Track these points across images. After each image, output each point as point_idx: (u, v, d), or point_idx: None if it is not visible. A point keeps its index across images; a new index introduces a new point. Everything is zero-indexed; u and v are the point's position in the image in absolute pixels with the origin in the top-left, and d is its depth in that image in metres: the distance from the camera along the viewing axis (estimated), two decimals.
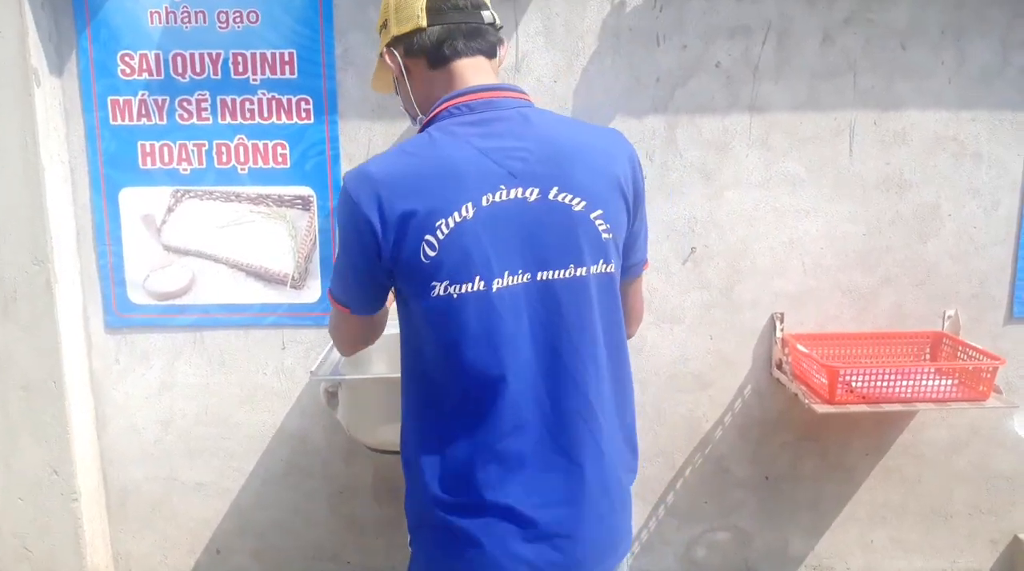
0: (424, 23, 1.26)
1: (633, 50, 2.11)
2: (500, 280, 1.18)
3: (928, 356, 2.26)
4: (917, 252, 2.24)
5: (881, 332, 2.27)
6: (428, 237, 1.16)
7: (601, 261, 1.24)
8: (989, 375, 2.03)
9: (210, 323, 2.26)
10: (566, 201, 1.20)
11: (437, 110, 1.25)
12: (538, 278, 1.21)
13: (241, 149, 2.15)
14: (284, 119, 2.14)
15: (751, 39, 2.11)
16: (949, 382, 2.09)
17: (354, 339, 1.44)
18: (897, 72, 2.14)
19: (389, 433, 1.88)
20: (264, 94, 2.12)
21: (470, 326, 1.19)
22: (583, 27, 2.11)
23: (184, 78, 2.12)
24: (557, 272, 1.21)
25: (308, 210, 2.19)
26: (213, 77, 2.11)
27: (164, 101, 2.13)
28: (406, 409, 1.30)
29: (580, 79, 2.14)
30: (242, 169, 2.17)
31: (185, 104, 2.13)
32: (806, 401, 2.05)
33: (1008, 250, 2.25)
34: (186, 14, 2.08)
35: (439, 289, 1.18)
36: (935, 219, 2.22)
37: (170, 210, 2.19)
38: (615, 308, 1.29)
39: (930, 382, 2.05)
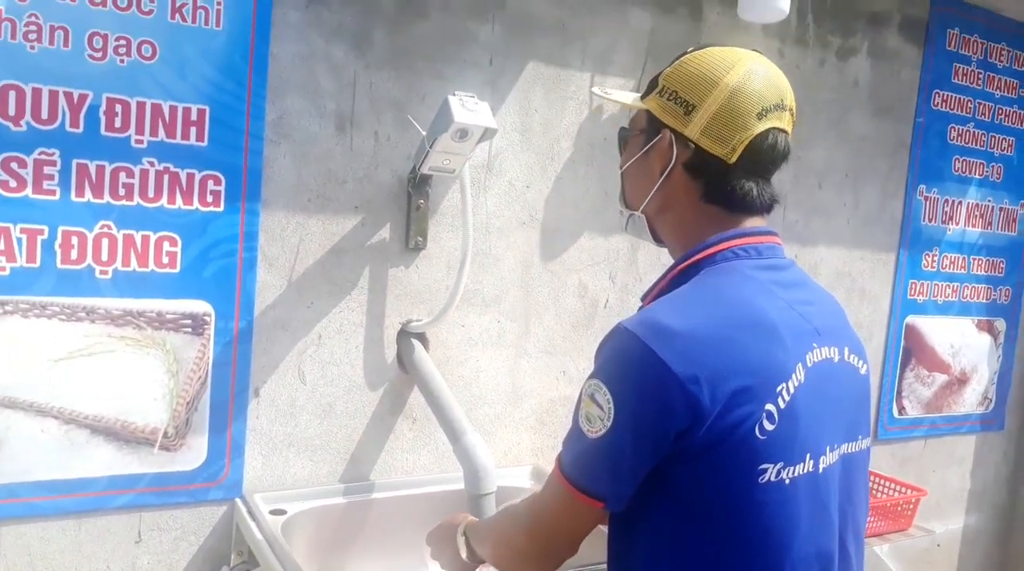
0: (734, 160, 1.02)
1: (605, 162, 1.87)
2: (824, 457, 0.98)
3: None
4: None
5: None
6: (768, 406, 0.92)
7: (868, 431, 1.10)
8: (912, 506, 2.12)
9: (16, 512, 1.40)
10: (854, 362, 1.06)
11: (716, 248, 1.04)
12: (843, 452, 1.02)
13: (105, 242, 1.41)
14: (180, 203, 1.45)
15: None
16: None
17: (570, 546, 1.03)
18: (813, 209, 2.21)
19: None
20: (152, 163, 1.43)
21: (795, 521, 0.94)
22: (560, 128, 1.81)
23: (18, 124, 1.33)
24: (852, 444, 1.04)
25: (200, 334, 1.50)
26: (70, 129, 1.36)
27: None
28: None
29: (552, 186, 1.82)
30: (103, 272, 1.41)
31: (15, 166, 1.33)
32: None
33: (874, 379, 2.42)
34: (35, 28, 1.33)
35: (770, 473, 0.92)
36: None
37: None
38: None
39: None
